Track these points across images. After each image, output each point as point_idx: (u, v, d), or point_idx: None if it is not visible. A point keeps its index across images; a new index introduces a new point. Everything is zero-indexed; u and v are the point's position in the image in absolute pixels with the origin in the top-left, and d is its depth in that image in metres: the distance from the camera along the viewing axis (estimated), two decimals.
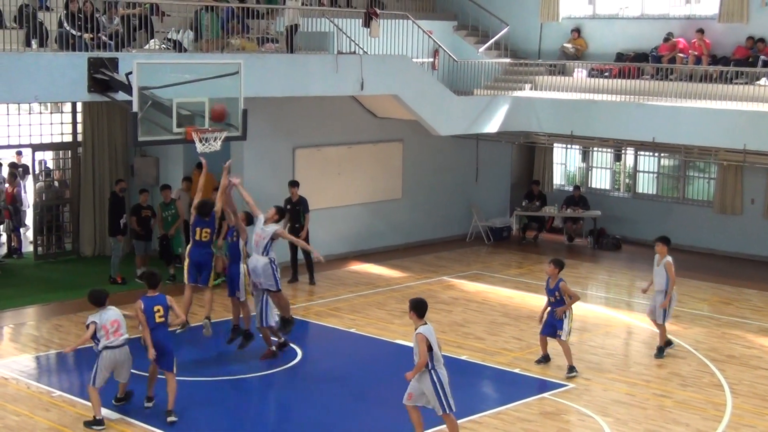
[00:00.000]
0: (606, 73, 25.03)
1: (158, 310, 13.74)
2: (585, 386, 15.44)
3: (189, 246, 16.69)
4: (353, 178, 24.36)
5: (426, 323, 12.38)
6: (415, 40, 23.24)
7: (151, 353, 13.55)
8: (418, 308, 12.40)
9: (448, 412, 12.46)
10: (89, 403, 13.91)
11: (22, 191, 23.92)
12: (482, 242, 26.52)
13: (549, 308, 16.02)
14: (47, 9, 19.49)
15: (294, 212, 21.24)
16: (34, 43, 18.27)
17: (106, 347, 13.44)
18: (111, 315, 13.58)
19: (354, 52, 21.80)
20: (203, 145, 16.29)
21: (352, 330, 18.31)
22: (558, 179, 28.91)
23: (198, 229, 16.43)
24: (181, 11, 21.00)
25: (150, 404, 14.13)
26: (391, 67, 22.17)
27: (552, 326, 15.99)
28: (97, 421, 13.56)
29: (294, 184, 21.49)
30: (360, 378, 15.89)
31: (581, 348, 17.41)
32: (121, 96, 17.32)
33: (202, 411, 14.43)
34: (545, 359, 16.41)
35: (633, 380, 15.74)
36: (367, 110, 24.46)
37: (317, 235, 23.54)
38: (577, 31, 26.68)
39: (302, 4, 22.32)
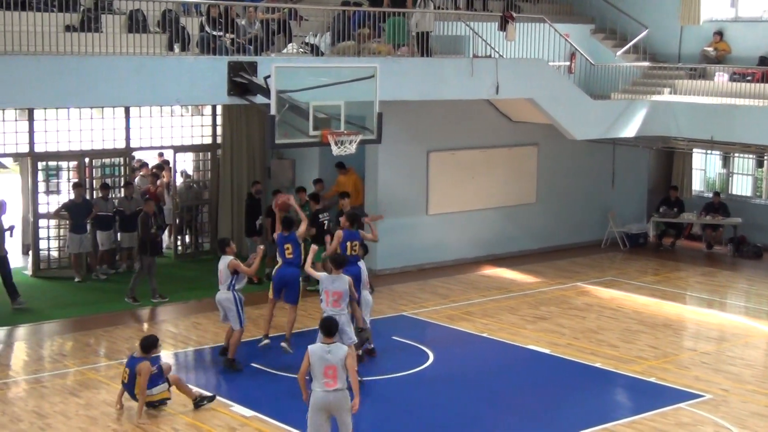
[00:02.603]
0: (748, 77, 24.39)
1: (288, 248, 16.33)
2: (723, 397, 15.07)
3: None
4: (487, 182, 24.28)
5: None
6: (551, 44, 23.04)
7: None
8: None
9: None
10: (222, 399, 14.30)
11: (165, 192, 24.50)
12: (618, 248, 26.14)
13: None
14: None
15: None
16: (176, 47, 18.76)
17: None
18: (338, 285, 14.83)
19: (489, 56, 21.74)
20: (339, 148, 16.43)
21: (484, 334, 18.26)
22: (697, 185, 28.31)
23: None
24: (318, 16, 21.27)
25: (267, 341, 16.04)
26: (526, 71, 22.03)
27: None
28: None
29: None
30: (491, 383, 15.84)
31: (719, 358, 17.03)
32: (259, 99, 17.63)
33: None
34: None
35: None
36: (502, 114, 24.35)
37: (450, 239, 23.59)
38: (720, 34, 26.05)
39: (436, 7, 22.35)
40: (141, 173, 24.83)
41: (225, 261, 15.84)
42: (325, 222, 20.27)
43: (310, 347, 11.79)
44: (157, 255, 20.66)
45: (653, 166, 28.25)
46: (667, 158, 28.26)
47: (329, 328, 11.86)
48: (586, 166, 26.18)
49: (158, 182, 24.39)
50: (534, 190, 25.30)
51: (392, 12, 20.78)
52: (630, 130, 24.20)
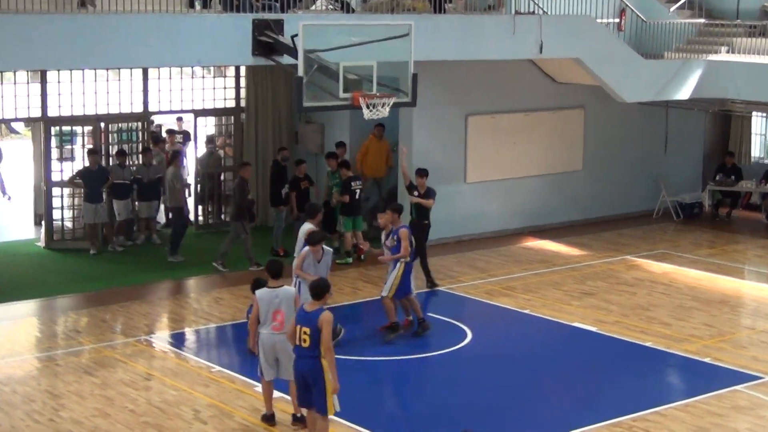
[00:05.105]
0: None
1: None
2: None
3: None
4: (530, 148, 24.17)
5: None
6: None
7: None
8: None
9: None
10: (246, 379, 14.38)
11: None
12: (670, 219, 25.99)
13: None
14: None
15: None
16: (197, 4, 18.74)
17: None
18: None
19: (533, 12, 21.59)
20: (370, 111, 16.39)
21: (525, 311, 18.23)
22: (756, 151, 28.09)
23: None
24: None
25: None
26: (572, 28, 21.86)
27: None
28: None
29: (423, 172, 19.50)
30: (533, 362, 15.85)
31: None
32: (286, 60, 17.59)
33: (371, 391, 14.65)
34: None
35: None
36: (545, 75, 24.22)
37: (490, 209, 23.54)
38: None
39: None
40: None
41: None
42: (357, 190, 20.24)
43: (257, 292, 12.89)
44: (252, 222, 21.03)
45: (709, 130, 28.03)
46: (724, 122, 28.04)
47: (276, 271, 12.84)
48: (637, 130, 26.02)
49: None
50: (580, 156, 25.17)
51: None
52: (684, 91, 23.99)
